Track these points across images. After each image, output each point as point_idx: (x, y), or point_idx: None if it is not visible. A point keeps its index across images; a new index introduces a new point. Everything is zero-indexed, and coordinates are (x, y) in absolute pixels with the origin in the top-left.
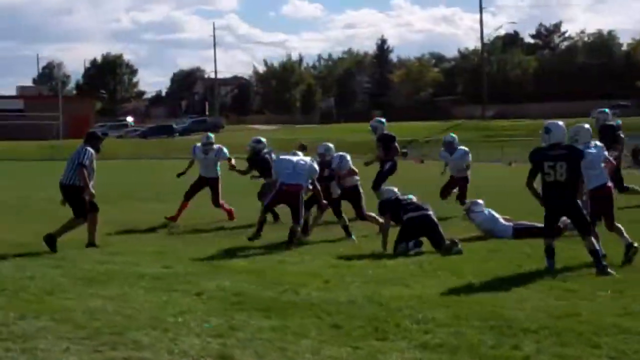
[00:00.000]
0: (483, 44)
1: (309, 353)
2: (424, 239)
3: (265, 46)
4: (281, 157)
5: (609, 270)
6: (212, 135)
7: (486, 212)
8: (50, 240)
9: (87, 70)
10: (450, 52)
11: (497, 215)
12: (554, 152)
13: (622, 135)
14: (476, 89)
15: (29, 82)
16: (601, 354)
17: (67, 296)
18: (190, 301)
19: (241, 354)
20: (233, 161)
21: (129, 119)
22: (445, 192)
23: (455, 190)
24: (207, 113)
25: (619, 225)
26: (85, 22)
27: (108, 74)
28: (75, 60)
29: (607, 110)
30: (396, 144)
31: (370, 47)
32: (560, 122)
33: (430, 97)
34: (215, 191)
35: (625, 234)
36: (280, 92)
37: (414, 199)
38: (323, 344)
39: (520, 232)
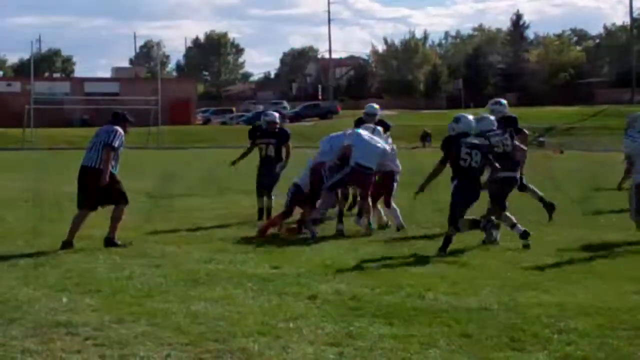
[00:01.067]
0: (632, 19)
1: None
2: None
3: (385, 22)
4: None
5: None
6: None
7: None
8: (109, 243)
9: (188, 50)
10: (594, 29)
11: None
12: (469, 140)
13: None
14: (624, 70)
15: (125, 63)
16: None
17: (167, 298)
18: (302, 305)
19: None
20: None
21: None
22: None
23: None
24: (320, 97)
25: None
26: None
27: (211, 54)
28: (175, 39)
29: (503, 101)
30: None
31: (503, 23)
32: (470, 116)
33: (572, 79)
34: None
35: None
36: (402, 73)
37: None
38: (452, 355)
39: None
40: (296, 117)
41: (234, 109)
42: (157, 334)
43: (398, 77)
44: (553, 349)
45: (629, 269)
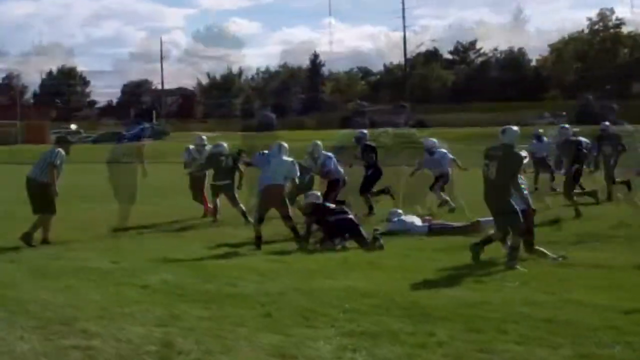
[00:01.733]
0: (406, 59)
1: (245, 340)
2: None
3: (208, 60)
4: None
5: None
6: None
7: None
8: (27, 238)
9: (43, 81)
10: (376, 67)
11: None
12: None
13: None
14: (400, 99)
15: None
16: (508, 339)
17: (21, 289)
18: (136, 294)
19: (182, 341)
20: None
21: (73, 126)
22: None
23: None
24: (154, 121)
25: None
26: (43, 38)
27: (63, 85)
28: (33, 72)
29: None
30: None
31: (304, 61)
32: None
33: (359, 106)
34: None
35: None
36: (222, 102)
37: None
38: (258, 332)
39: (435, 231)
40: (135, 138)
41: (81, 130)
42: (12, 319)
43: (218, 104)
44: (339, 326)
45: (395, 260)
